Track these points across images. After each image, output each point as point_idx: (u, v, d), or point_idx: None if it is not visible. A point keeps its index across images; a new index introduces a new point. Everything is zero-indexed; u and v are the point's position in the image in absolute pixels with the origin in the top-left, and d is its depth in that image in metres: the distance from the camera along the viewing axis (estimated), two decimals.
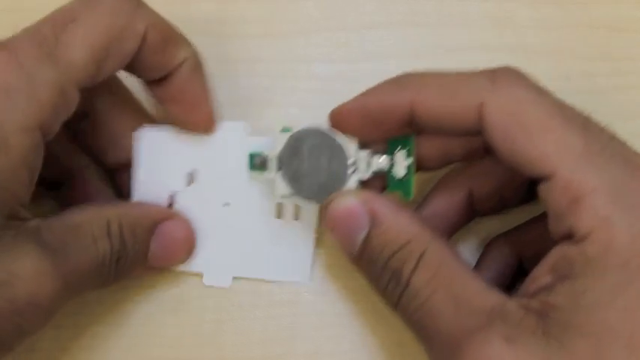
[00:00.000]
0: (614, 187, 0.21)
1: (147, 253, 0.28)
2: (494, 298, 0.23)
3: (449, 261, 0.24)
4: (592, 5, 0.33)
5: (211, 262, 0.30)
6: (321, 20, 0.33)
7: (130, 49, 0.26)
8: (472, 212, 0.29)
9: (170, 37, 0.27)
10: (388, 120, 0.25)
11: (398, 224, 0.25)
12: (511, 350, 0.22)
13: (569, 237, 0.22)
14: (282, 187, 0.27)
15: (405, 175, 0.26)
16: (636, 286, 0.21)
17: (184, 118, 0.29)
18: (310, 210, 0.29)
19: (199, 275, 0.31)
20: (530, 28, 0.33)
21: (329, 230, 0.26)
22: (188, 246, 0.29)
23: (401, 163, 0.26)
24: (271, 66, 0.33)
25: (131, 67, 0.27)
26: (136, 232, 0.27)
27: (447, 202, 0.29)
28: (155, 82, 0.28)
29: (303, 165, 0.27)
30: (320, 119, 0.30)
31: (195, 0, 0.33)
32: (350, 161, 0.27)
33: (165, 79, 0.28)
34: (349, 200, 0.26)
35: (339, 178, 0.27)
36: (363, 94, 0.26)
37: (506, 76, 0.24)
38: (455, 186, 0.29)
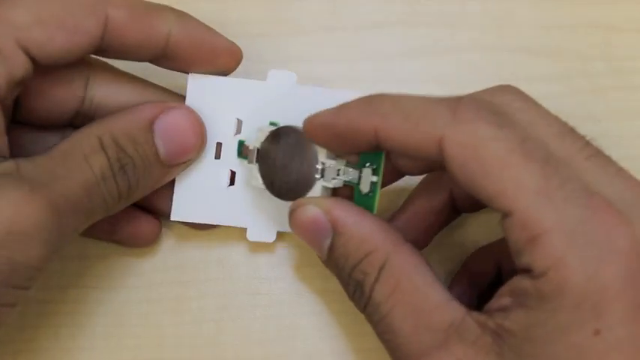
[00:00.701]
0: (570, 227, 0.21)
1: (156, 153, 0.27)
2: (453, 312, 0.23)
3: (410, 273, 0.24)
4: (592, 5, 0.33)
5: (255, 216, 0.29)
6: (321, 20, 0.33)
7: (91, 27, 0.26)
8: (455, 210, 0.29)
9: (140, 11, 0.27)
10: (354, 141, 0.25)
11: (359, 234, 0.25)
12: None
13: (527, 271, 0.22)
14: (256, 179, 0.28)
15: (369, 192, 0.26)
16: (587, 327, 0.21)
17: (212, 70, 0.28)
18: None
19: (199, 275, 0.31)
20: (531, 28, 0.33)
21: (297, 235, 0.27)
22: (195, 130, 0.28)
23: (367, 179, 0.26)
24: (271, 66, 0.33)
25: (115, 50, 0.27)
26: (133, 136, 0.26)
27: (429, 202, 0.29)
28: (160, 61, 0.28)
29: (276, 162, 0.27)
30: None
31: (195, 0, 0.33)
32: (318, 167, 0.27)
33: (167, 54, 0.27)
34: (311, 209, 0.26)
35: (307, 182, 0.27)
36: (333, 112, 0.26)
37: (468, 108, 0.23)
38: (436, 186, 0.29)
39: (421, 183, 0.29)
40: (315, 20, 0.33)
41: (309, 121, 0.26)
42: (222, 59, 0.28)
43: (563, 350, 0.21)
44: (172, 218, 0.29)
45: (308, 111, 0.26)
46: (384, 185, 0.28)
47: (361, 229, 0.25)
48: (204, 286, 0.31)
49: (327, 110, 0.26)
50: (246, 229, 0.29)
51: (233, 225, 0.29)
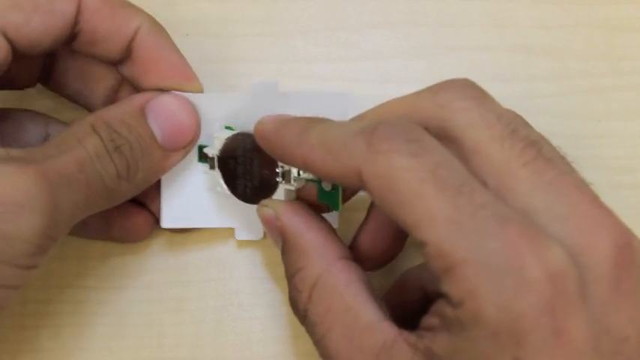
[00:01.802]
0: (483, 258, 0.21)
1: (152, 135, 0.27)
2: (384, 333, 0.23)
3: (342, 292, 0.24)
4: (592, 5, 0.33)
5: (242, 216, 0.29)
6: (321, 20, 0.33)
7: (65, 10, 0.26)
8: None
9: (115, 2, 0.27)
10: (288, 162, 0.26)
11: (297, 247, 0.25)
12: None
13: (447, 298, 0.22)
14: (220, 185, 0.28)
15: (332, 189, 0.27)
16: (506, 355, 0.21)
17: (165, 84, 0.28)
18: None
19: (199, 275, 0.31)
20: (530, 28, 0.33)
21: None
22: (187, 110, 0.28)
23: None
24: (271, 66, 0.33)
25: (87, 38, 0.27)
26: (125, 120, 0.26)
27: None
28: (123, 64, 0.28)
29: (238, 167, 0.28)
30: None
31: (195, 0, 0.33)
32: (278, 170, 0.27)
33: (131, 55, 0.28)
34: (266, 212, 0.26)
35: (269, 186, 0.27)
36: (273, 127, 0.26)
37: (381, 137, 0.23)
38: None
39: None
40: (315, 20, 0.33)
41: (257, 126, 0.26)
42: (177, 81, 0.28)
43: None
44: (163, 226, 0.29)
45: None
46: (354, 192, 0.28)
47: (300, 241, 0.25)
48: (205, 286, 0.31)
49: (273, 121, 0.26)
50: (234, 229, 0.30)
51: (221, 226, 0.30)
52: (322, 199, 0.27)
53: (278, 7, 0.33)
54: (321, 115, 0.26)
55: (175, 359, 0.31)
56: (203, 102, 0.28)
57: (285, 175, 0.27)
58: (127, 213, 0.30)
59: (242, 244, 0.31)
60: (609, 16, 0.33)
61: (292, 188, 0.27)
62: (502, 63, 0.33)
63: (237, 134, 0.28)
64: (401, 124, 0.23)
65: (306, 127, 0.25)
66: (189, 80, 0.28)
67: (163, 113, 0.27)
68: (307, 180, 0.27)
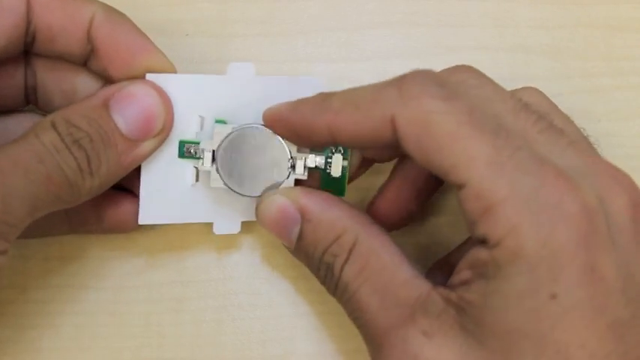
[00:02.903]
0: (523, 195, 0.21)
1: (115, 127, 0.26)
2: (419, 288, 0.24)
3: (378, 251, 0.25)
4: (592, 5, 0.33)
5: (220, 210, 0.29)
6: (321, 20, 0.33)
7: (13, 5, 0.26)
8: (438, 182, 0.29)
9: None
10: (310, 137, 0.26)
11: (327, 220, 0.26)
12: (429, 345, 0.23)
13: (483, 241, 0.22)
14: (216, 179, 0.28)
15: (340, 176, 0.28)
16: (543, 292, 0.21)
17: (130, 68, 0.27)
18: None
19: (199, 275, 0.31)
20: (530, 28, 0.33)
21: (264, 227, 0.27)
22: (154, 99, 0.27)
23: (337, 163, 0.28)
24: (271, 66, 0.33)
25: (44, 36, 0.27)
26: (86, 115, 0.26)
27: (408, 185, 0.29)
28: (91, 59, 0.28)
29: (243, 162, 0.28)
30: None
31: (195, 0, 0.33)
32: (289, 162, 0.27)
33: (94, 50, 0.27)
34: (279, 199, 0.27)
35: (278, 177, 0.28)
36: (290, 107, 0.26)
37: (413, 83, 0.23)
38: (413, 169, 0.29)
39: (397, 167, 0.29)
40: (315, 20, 0.33)
41: (267, 113, 0.27)
42: (140, 60, 0.27)
43: (520, 315, 0.21)
44: (140, 222, 0.29)
45: (268, 101, 0.27)
46: (355, 177, 0.29)
47: (330, 214, 0.26)
48: (204, 286, 0.31)
49: (285, 104, 0.26)
50: (212, 223, 0.29)
51: (199, 221, 0.29)
52: (326, 186, 0.28)
53: (278, 7, 0.33)
54: (295, 97, 0.26)
55: (175, 359, 0.31)
56: (175, 84, 0.28)
57: (295, 163, 0.27)
58: (118, 203, 0.29)
59: (242, 244, 0.31)
60: (609, 16, 0.33)
61: (304, 177, 0.28)
62: (502, 63, 0.33)
63: (244, 128, 0.27)
64: (429, 72, 0.24)
65: (325, 96, 0.25)
66: (151, 54, 0.27)
67: (127, 102, 0.26)
68: (312, 169, 0.28)
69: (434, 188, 0.30)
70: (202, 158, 0.28)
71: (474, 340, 0.22)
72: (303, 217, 0.26)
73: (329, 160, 0.28)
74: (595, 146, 0.25)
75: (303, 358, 0.31)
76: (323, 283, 0.26)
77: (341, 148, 0.28)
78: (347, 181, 0.28)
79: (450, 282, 0.24)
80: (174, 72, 0.28)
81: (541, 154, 0.23)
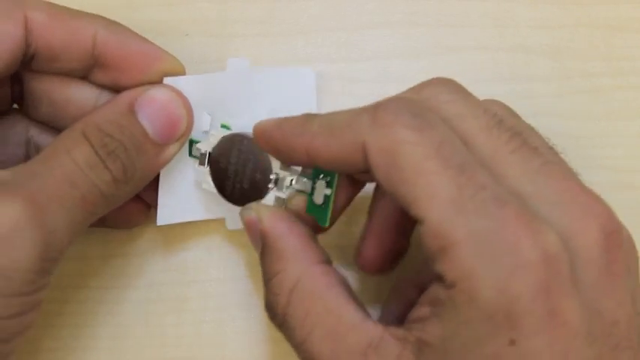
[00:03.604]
0: (480, 239, 0.21)
1: (144, 132, 0.26)
2: (369, 331, 0.23)
3: (322, 293, 0.24)
4: (592, 5, 0.33)
5: (231, 205, 0.29)
6: (321, 20, 0.33)
7: (11, 32, 0.26)
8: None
9: (62, 13, 0.27)
10: (291, 158, 0.26)
11: (277, 249, 0.25)
12: None
13: (440, 279, 0.22)
14: (207, 182, 0.28)
15: (322, 204, 0.27)
16: (501, 338, 0.21)
17: (145, 75, 0.28)
18: None
19: (199, 275, 0.31)
20: (530, 28, 0.33)
21: None
22: (177, 102, 0.27)
23: (320, 191, 0.27)
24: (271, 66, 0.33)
25: (45, 55, 0.27)
26: (116, 121, 0.26)
27: (392, 205, 0.28)
28: (94, 73, 0.28)
29: (229, 168, 0.28)
30: None
31: (195, 0, 0.33)
32: (272, 177, 0.27)
33: (99, 62, 0.27)
34: (249, 214, 0.26)
35: (259, 190, 0.27)
36: (274, 124, 0.26)
37: (386, 111, 0.23)
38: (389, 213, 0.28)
39: (374, 216, 0.28)
40: (315, 20, 0.33)
41: (255, 128, 0.27)
42: (155, 66, 0.28)
43: None
44: (159, 223, 0.29)
45: (266, 94, 0.27)
46: (348, 202, 0.28)
47: (278, 244, 0.25)
48: (205, 286, 0.31)
49: (272, 120, 0.26)
50: (224, 219, 0.30)
51: (212, 218, 0.30)
52: (310, 211, 0.27)
53: (278, 7, 0.33)
54: (289, 88, 0.27)
55: (176, 359, 0.31)
56: (184, 86, 0.28)
57: (278, 182, 0.27)
58: None
59: (242, 244, 0.31)
60: (609, 16, 0.33)
61: (283, 196, 0.27)
62: (502, 63, 0.33)
63: (235, 134, 0.28)
64: (405, 99, 0.23)
65: (307, 118, 0.25)
66: (162, 60, 0.28)
67: (153, 107, 0.27)
68: (298, 190, 0.27)
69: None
70: (198, 159, 0.28)
71: None
72: (262, 239, 0.26)
73: (314, 185, 0.27)
74: (562, 156, 0.24)
75: None
76: (266, 311, 0.26)
77: (328, 176, 0.27)
78: (330, 210, 0.26)
79: (409, 316, 0.23)
80: (185, 73, 0.28)
81: (507, 190, 0.22)
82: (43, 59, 0.27)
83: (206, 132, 0.29)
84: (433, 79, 0.25)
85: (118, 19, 0.28)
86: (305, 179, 0.27)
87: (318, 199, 0.27)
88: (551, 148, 0.24)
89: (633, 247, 0.24)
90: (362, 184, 0.28)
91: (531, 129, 0.25)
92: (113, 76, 0.28)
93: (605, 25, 0.33)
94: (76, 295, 0.31)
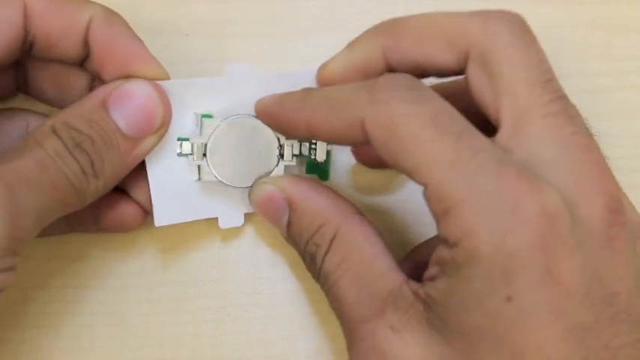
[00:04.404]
0: (480, 198, 0.22)
1: (115, 128, 0.26)
2: (393, 281, 0.25)
3: (359, 243, 0.25)
4: (592, 5, 0.33)
5: (224, 204, 0.30)
6: (321, 20, 0.33)
7: (11, 17, 0.26)
8: None
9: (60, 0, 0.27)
10: (292, 132, 0.27)
11: (311, 210, 0.26)
12: (396, 340, 0.23)
13: (445, 241, 0.22)
14: (208, 173, 0.28)
15: (325, 161, 0.28)
16: (498, 294, 0.21)
17: (123, 73, 0.27)
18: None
19: (199, 275, 0.31)
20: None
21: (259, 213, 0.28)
22: (152, 96, 0.27)
23: (322, 148, 0.28)
24: (271, 66, 0.33)
25: (43, 42, 0.27)
26: (86, 117, 0.26)
27: None
28: (88, 60, 0.28)
29: (232, 153, 0.28)
30: None
31: (195, 0, 0.33)
32: (277, 149, 0.28)
33: (90, 52, 0.27)
34: (267, 187, 0.27)
35: (268, 165, 0.28)
36: (276, 100, 0.27)
37: (383, 87, 0.24)
38: None
39: None
40: (315, 20, 0.33)
41: (258, 105, 0.28)
42: (137, 67, 0.27)
43: (479, 317, 0.22)
44: (157, 224, 0.29)
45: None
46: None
47: (313, 204, 0.26)
48: (205, 286, 0.31)
49: (273, 97, 0.27)
50: (217, 218, 0.30)
51: (207, 217, 0.30)
52: (311, 171, 0.29)
53: (278, 7, 0.33)
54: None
55: (175, 359, 0.31)
56: (172, 89, 0.28)
57: (284, 151, 0.28)
58: (115, 204, 0.29)
59: (242, 244, 0.31)
60: (609, 16, 0.33)
61: (293, 163, 0.28)
62: None
63: (234, 120, 0.28)
64: (401, 75, 0.24)
65: (308, 92, 0.26)
66: (146, 62, 0.27)
67: (126, 100, 0.27)
68: (298, 156, 0.28)
69: None
70: (193, 153, 0.28)
71: (440, 336, 0.23)
72: (290, 206, 0.27)
73: (313, 146, 0.28)
74: (595, 138, 0.25)
75: (303, 358, 0.31)
76: (308, 269, 0.27)
77: None
78: (331, 164, 0.28)
79: (424, 275, 0.24)
80: (169, 79, 0.28)
81: (502, 157, 0.22)
82: (41, 46, 0.27)
83: (194, 130, 0.29)
84: (503, 12, 0.25)
85: None
86: (302, 143, 0.28)
87: (321, 156, 0.28)
88: (584, 121, 0.24)
89: None
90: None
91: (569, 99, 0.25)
92: (97, 67, 0.27)
93: (605, 25, 0.33)
94: (76, 295, 0.31)
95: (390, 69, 0.26)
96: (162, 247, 0.31)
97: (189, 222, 0.30)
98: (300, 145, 0.29)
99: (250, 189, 0.28)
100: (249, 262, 0.31)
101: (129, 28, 0.28)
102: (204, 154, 0.28)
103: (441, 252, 0.23)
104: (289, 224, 0.27)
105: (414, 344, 0.23)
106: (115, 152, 0.26)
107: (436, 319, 0.23)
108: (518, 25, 0.25)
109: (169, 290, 0.31)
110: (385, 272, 0.25)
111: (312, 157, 0.29)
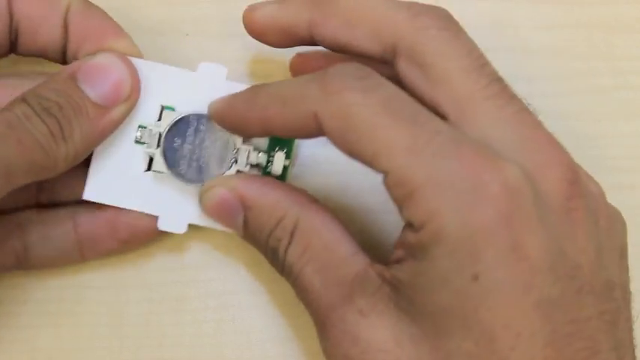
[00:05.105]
0: (441, 179, 0.22)
1: (83, 95, 0.26)
2: (358, 264, 0.25)
3: (320, 229, 0.25)
4: (592, 5, 0.33)
5: (168, 205, 0.29)
6: None
7: None
8: None
9: None
10: (248, 131, 0.27)
11: (267, 204, 0.26)
12: (365, 324, 0.24)
13: (410, 225, 0.23)
14: (159, 164, 0.28)
15: (281, 175, 0.28)
16: (465, 273, 0.22)
17: (96, 48, 0.28)
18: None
19: (199, 275, 0.31)
20: (530, 28, 0.33)
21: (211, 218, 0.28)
22: (119, 64, 0.27)
23: (279, 161, 0.28)
24: (271, 65, 0.33)
25: (26, 35, 0.27)
26: (54, 87, 0.26)
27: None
28: (67, 50, 0.28)
29: (186, 147, 0.28)
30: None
31: (195, 0, 0.33)
32: (232, 152, 0.28)
33: (68, 36, 0.28)
34: (218, 190, 0.27)
35: (219, 166, 0.28)
36: (226, 102, 0.27)
37: (333, 79, 0.24)
38: None
39: None
40: None
41: (209, 108, 0.28)
42: (110, 42, 0.28)
43: (446, 296, 0.22)
44: (85, 197, 0.29)
45: None
46: None
47: (269, 199, 0.26)
48: (205, 286, 0.31)
49: (222, 99, 0.27)
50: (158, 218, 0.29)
51: (144, 211, 0.29)
52: None
53: None
54: None
55: (175, 359, 0.31)
56: (143, 70, 0.28)
57: (238, 156, 0.28)
58: (128, 214, 0.29)
59: (242, 244, 0.31)
60: (609, 16, 0.33)
61: (246, 170, 0.28)
62: (502, 63, 0.33)
63: (192, 115, 0.28)
64: (351, 65, 0.24)
65: (256, 91, 0.26)
66: (117, 36, 0.28)
67: (93, 71, 0.27)
68: (252, 165, 0.28)
69: None
70: (145, 144, 0.28)
71: (408, 318, 0.23)
72: (244, 204, 0.26)
73: (271, 157, 0.28)
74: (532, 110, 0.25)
75: (303, 358, 0.31)
76: (271, 264, 0.27)
77: (285, 147, 0.28)
78: (288, 180, 0.28)
79: (389, 259, 0.24)
80: (142, 57, 0.28)
81: (460, 136, 0.23)
82: (25, 32, 0.27)
83: (156, 122, 0.29)
84: (430, 7, 0.26)
85: (117, 19, 0.28)
86: (261, 153, 0.28)
87: (277, 169, 0.28)
88: (522, 100, 0.25)
89: (605, 205, 0.25)
90: None
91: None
92: (74, 50, 0.28)
93: (605, 25, 0.33)
94: (76, 295, 0.31)
95: (313, 42, 0.27)
96: (162, 247, 0.31)
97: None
98: (258, 153, 0.28)
99: (200, 194, 0.28)
100: (249, 262, 0.31)
101: (105, 12, 0.28)
102: (159, 146, 0.28)
103: (406, 236, 0.23)
104: (246, 223, 0.27)
105: (383, 328, 0.23)
106: (84, 119, 0.26)
107: (404, 300, 0.23)
108: (445, 18, 0.25)
109: (169, 290, 0.31)
110: (348, 257, 0.25)
111: (268, 170, 0.28)
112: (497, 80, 0.25)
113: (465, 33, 0.25)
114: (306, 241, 0.25)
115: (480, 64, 0.25)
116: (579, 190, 0.24)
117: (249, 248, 0.32)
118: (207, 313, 0.31)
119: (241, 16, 0.33)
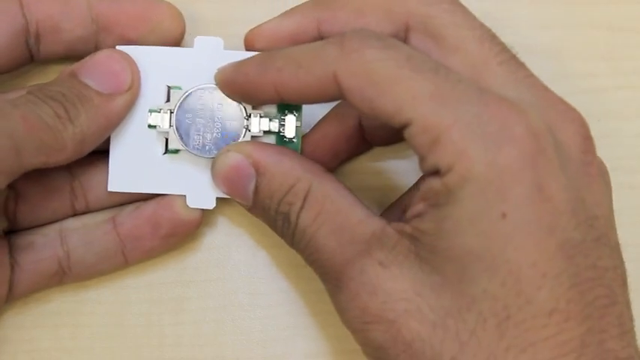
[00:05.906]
0: (467, 121, 0.22)
1: (87, 86, 0.27)
2: (374, 225, 0.25)
3: (333, 195, 0.25)
4: (592, 5, 0.33)
5: (193, 183, 0.29)
6: None
7: (6, 8, 0.27)
8: (365, 142, 0.30)
9: None
10: (259, 97, 0.27)
11: (281, 171, 0.26)
12: (386, 274, 0.24)
13: (435, 172, 0.23)
14: (175, 141, 0.28)
15: (293, 137, 0.28)
16: (493, 212, 0.22)
17: (149, 30, 0.28)
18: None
19: (199, 275, 0.31)
20: (530, 28, 0.33)
21: (220, 187, 0.28)
22: (118, 56, 0.28)
23: (291, 125, 0.28)
24: None
25: (46, 27, 0.27)
26: (57, 83, 0.27)
27: (338, 127, 0.30)
28: (102, 40, 0.29)
29: (199, 123, 0.28)
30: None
31: (195, 0, 0.33)
32: (245, 120, 0.28)
33: (102, 26, 0.28)
34: (232, 155, 0.27)
35: (232, 136, 0.28)
36: (233, 68, 0.27)
37: (352, 38, 0.24)
38: (347, 113, 0.30)
39: (332, 109, 0.30)
40: None
41: (216, 77, 0.28)
42: (154, 16, 0.28)
43: (473, 238, 0.22)
44: (109, 189, 0.29)
45: None
46: (352, 155, 0.30)
47: (283, 166, 0.26)
48: (205, 286, 0.31)
49: (229, 66, 0.27)
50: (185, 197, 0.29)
51: (171, 193, 0.29)
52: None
53: (278, 7, 0.33)
54: None
55: (175, 359, 0.31)
56: (143, 55, 0.28)
57: (250, 123, 0.28)
58: (167, 203, 0.29)
59: (242, 244, 0.31)
60: (609, 16, 0.33)
61: (260, 135, 0.28)
62: None
63: (199, 89, 0.28)
64: (367, 29, 0.25)
65: (269, 55, 0.26)
66: (159, 8, 0.28)
67: (92, 66, 0.27)
68: (264, 131, 0.28)
69: (354, 151, 0.31)
70: (161, 123, 0.28)
71: (429, 266, 0.23)
72: (257, 170, 0.26)
73: (282, 122, 0.28)
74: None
75: (303, 358, 0.31)
76: (281, 235, 0.27)
77: (294, 110, 0.28)
78: (300, 142, 0.28)
79: (405, 217, 0.24)
80: (183, 20, 0.29)
81: (493, 87, 0.24)
82: (47, 32, 0.27)
83: (166, 103, 0.29)
84: None
85: None
86: (272, 120, 0.28)
87: (290, 132, 0.28)
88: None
89: (606, 171, 0.26)
90: (368, 147, 0.30)
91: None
92: (119, 34, 0.28)
93: (605, 25, 0.33)
94: (76, 295, 0.31)
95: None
96: None
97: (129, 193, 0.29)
98: (269, 121, 0.28)
99: (214, 161, 0.28)
100: (249, 262, 0.31)
101: None
102: (171, 125, 0.28)
103: (430, 185, 0.23)
104: (257, 190, 0.26)
105: (403, 278, 0.23)
106: (89, 104, 0.26)
107: (425, 250, 0.23)
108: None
109: (169, 290, 0.31)
110: (364, 219, 0.25)
111: (281, 133, 0.28)
112: (507, 49, 0.25)
113: (467, 9, 0.26)
114: (320, 205, 0.25)
115: (491, 34, 0.25)
116: (592, 146, 0.24)
117: (249, 249, 0.32)
118: (207, 313, 0.31)
119: (241, 16, 0.33)
